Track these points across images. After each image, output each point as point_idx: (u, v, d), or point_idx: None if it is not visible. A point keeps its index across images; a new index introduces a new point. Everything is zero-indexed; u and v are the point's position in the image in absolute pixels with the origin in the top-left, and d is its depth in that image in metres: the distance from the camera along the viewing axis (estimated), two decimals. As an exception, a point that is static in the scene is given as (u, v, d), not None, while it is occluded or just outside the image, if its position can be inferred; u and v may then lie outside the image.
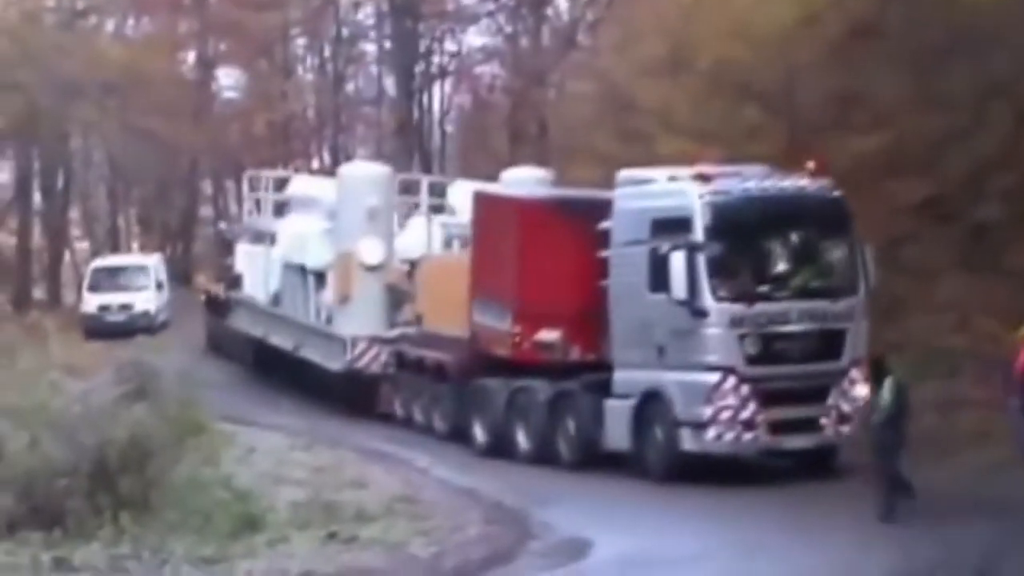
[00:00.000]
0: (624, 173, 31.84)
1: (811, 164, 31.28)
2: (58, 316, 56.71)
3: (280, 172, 52.06)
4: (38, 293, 71.28)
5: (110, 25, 75.76)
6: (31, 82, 64.68)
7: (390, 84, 79.31)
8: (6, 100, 66.87)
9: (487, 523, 28.94)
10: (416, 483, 32.97)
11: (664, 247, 29.69)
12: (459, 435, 34.92)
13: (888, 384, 28.02)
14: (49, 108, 68.25)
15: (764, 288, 30.27)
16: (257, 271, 47.16)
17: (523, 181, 39.08)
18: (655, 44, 45.00)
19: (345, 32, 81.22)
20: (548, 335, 31.36)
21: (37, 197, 77.57)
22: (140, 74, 70.02)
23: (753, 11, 39.92)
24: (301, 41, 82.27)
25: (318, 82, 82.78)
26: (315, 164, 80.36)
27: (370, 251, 38.87)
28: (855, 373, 29.97)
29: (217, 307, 50.28)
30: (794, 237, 31.21)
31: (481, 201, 36.69)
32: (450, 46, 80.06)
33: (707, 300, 29.60)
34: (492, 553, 27.25)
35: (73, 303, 69.12)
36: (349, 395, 40.31)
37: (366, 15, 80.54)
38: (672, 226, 29.82)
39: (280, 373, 45.80)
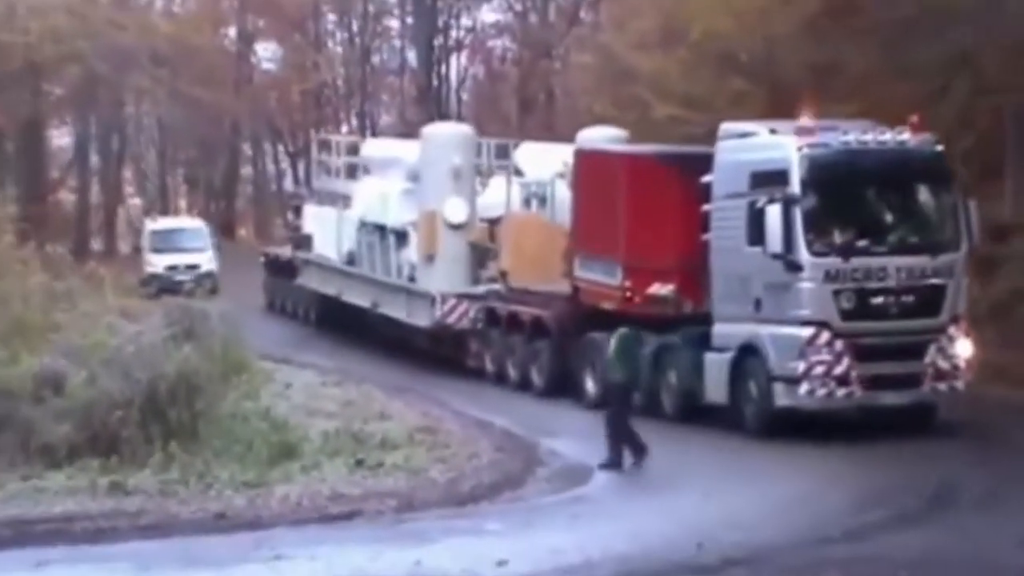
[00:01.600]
0: (726, 125, 30.12)
1: (914, 119, 29.13)
2: (113, 265, 56.44)
3: (349, 136, 50.56)
4: (95, 245, 71.26)
5: (159, 2, 75.42)
6: (88, 53, 64.35)
7: (412, 56, 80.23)
8: (66, 70, 66.80)
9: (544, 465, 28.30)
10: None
11: (761, 200, 28.00)
12: (558, 389, 33.09)
13: (615, 344, 27.82)
14: (105, 77, 68.25)
15: (861, 243, 28.20)
16: (329, 232, 44.93)
17: (601, 140, 36.44)
18: (649, 19, 46.14)
19: (371, 9, 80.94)
20: (661, 289, 29.76)
21: (94, 159, 77.61)
22: (187, 47, 70.87)
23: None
24: (332, 17, 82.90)
25: (347, 54, 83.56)
26: (343, 128, 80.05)
27: (455, 210, 36.90)
28: (954, 330, 28.24)
29: (279, 267, 49.02)
30: (893, 191, 29.28)
31: (583, 158, 34.67)
32: (466, 21, 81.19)
33: (802, 254, 27.73)
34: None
35: (127, 253, 68.35)
36: (433, 350, 38.49)
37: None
38: (770, 179, 28.09)
39: (350, 330, 43.91)
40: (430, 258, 36.81)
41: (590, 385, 31.16)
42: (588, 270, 32.31)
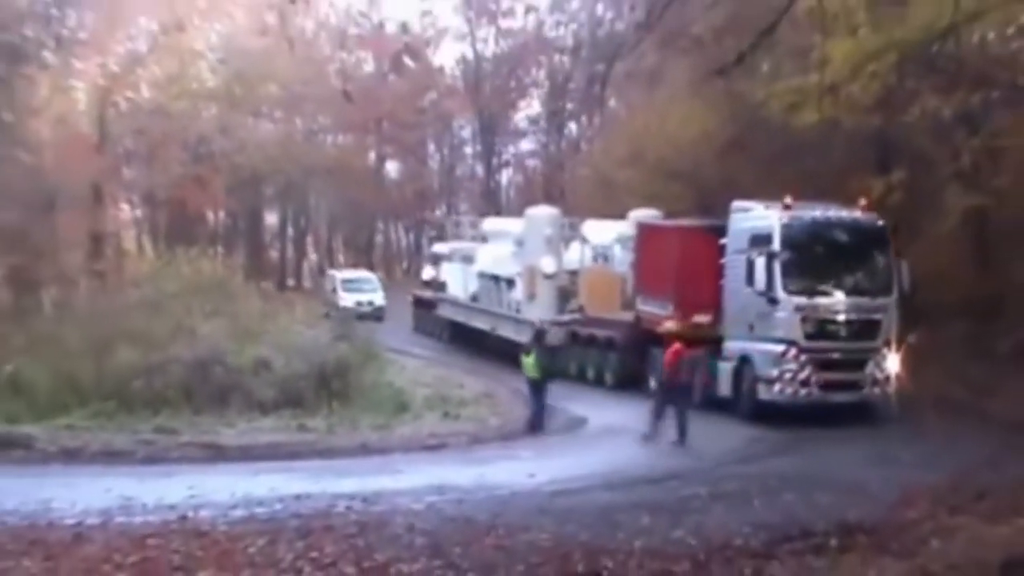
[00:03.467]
0: (736, 203, 28.50)
1: (863, 202, 27.72)
2: (300, 296, 56.54)
3: (473, 217, 50.47)
4: (290, 283, 71.38)
5: (330, 137, 75.93)
6: (288, 168, 64.89)
7: (479, 169, 79.85)
8: (274, 178, 67.44)
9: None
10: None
11: (753, 254, 26.72)
12: (623, 386, 30.93)
13: (541, 354, 26.65)
14: (297, 183, 68.90)
15: (822, 286, 26.64)
16: (458, 279, 43.37)
17: (647, 216, 34.84)
18: (623, 148, 46.38)
19: (455, 141, 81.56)
20: (701, 318, 27.94)
21: (290, 230, 78.09)
22: (345, 164, 70.96)
23: (677, 128, 40.45)
24: (432, 147, 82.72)
25: (440, 168, 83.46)
26: (438, 212, 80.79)
27: (548, 264, 35.26)
28: (886, 350, 26.57)
29: (423, 303, 48.67)
30: (846, 251, 27.29)
31: (644, 229, 33.19)
32: (512, 148, 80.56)
33: (779, 292, 26.25)
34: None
35: (309, 288, 68.48)
36: None
37: (467, 131, 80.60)
38: (761, 240, 26.67)
39: (471, 346, 41.60)
40: (531, 296, 35.60)
41: (653, 382, 28.26)
42: (646, 304, 31.04)
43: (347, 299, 51.46)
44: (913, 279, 27.18)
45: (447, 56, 79.64)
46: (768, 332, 26.72)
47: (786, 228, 26.53)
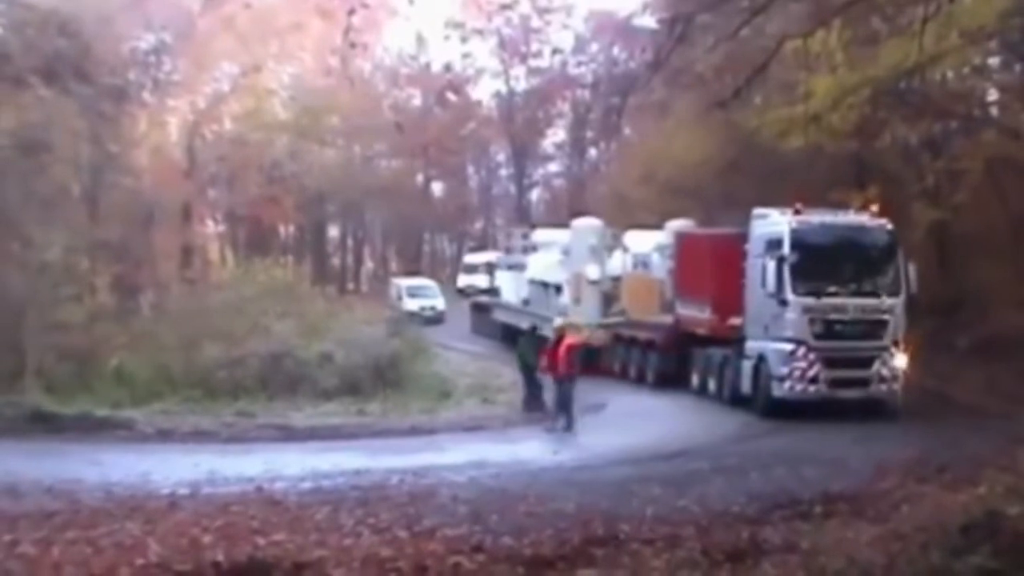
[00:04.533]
0: (755, 210, 26.33)
1: (874, 207, 25.86)
2: (359, 299, 56.59)
3: (525, 228, 48.84)
4: (350, 287, 71.34)
5: (384, 162, 75.97)
6: (347, 188, 65.39)
7: (512, 188, 79.78)
8: (336, 197, 67.62)
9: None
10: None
11: (767, 258, 24.82)
12: (663, 384, 28.70)
13: (526, 346, 26.35)
14: (356, 201, 69.31)
15: (830, 288, 24.67)
16: (511, 285, 41.37)
17: (683, 225, 32.87)
18: (637, 169, 46.62)
19: (491, 163, 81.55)
20: (736, 319, 26.15)
21: (350, 241, 78.15)
22: (397, 184, 70.78)
23: (682, 152, 40.34)
24: (471, 168, 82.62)
25: (478, 187, 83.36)
26: (477, 226, 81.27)
27: (592, 271, 33.46)
28: (894, 349, 24.60)
29: (479, 307, 47.11)
30: (854, 255, 25.18)
31: (681, 237, 31.10)
32: (540, 170, 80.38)
33: (788, 294, 24.30)
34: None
35: (366, 291, 68.34)
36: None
37: (502, 156, 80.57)
38: (775, 245, 24.68)
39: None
40: (577, 301, 33.81)
41: (695, 379, 27.87)
42: (685, 308, 29.26)
43: (411, 304, 49.70)
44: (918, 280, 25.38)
45: (484, 91, 79.69)
46: (780, 332, 24.91)
47: (795, 232, 24.69)
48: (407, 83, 76.05)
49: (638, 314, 32.19)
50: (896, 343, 24.85)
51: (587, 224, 36.21)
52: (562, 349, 23.81)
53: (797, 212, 25.09)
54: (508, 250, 45.80)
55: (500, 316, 42.89)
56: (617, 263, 35.24)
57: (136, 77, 41.58)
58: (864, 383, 24.58)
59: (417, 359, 30.13)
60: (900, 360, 24.79)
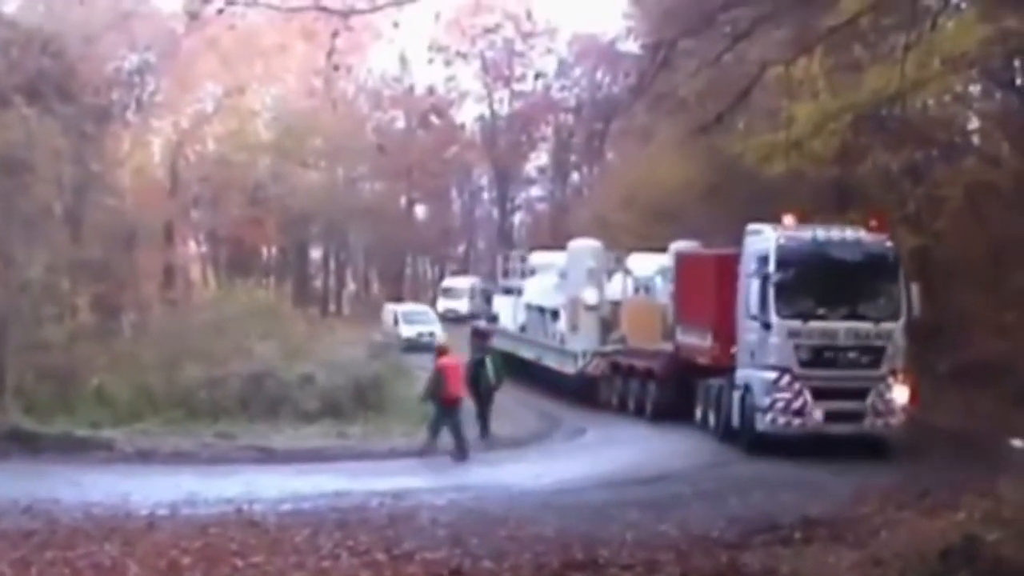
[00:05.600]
0: (750, 225, 24.00)
1: (873, 222, 23.44)
2: (340, 321, 56.43)
3: (521, 252, 46.48)
4: (332, 308, 71.11)
5: (367, 185, 75.95)
6: (331, 211, 65.79)
7: (495, 212, 79.94)
8: (321, 219, 67.57)
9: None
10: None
11: (754, 278, 22.77)
12: (663, 417, 26.26)
13: (490, 365, 25.35)
14: (338, 223, 69.05)
15: (820, 310, 22.32)
16: (508, 311, 39.03)
17: (686, 247, 30.45)
18: (619, 193, 46.53)
19: (474, 187, 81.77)
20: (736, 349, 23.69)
21: (332, 263, 78.03)
22: (380, 207, 71.26)
23: (665, 176, 40.07)
24: (454, 193, 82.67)
25: (461, 210, 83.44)
26: (460, 249, 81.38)
27: (590, 296, 31.25)
28: (892, 380, 22.32)
29: (479, 334, 44.55)
30: (848, 274, 22.61)
31: (683, 258, 28.94)
32: (523, 194, 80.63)
33: (772, 317, 22.02)
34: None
35: (348, 315, 68.09)
36: (575, 391, 31.57)
37: (485, 179, 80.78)
38: (763, 262, 22.41)
39: (521, 375, 34.18)
40: (574, 328, 31.70)
41: (698, 412, 25.33)
42: (686, 336, 26.82)
43: (408, 331, 47.71)
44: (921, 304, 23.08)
45: (468, 115, 79.71)
46: (764, 359, 22.63)
47: (782, 249, 22.57)
48: (390, 105, 76.15)
49: (638, 341, 29.89)
50: (895, 373, 22.64)
51: (584, 246, 34.05)
52: (451, 369, 22.85)
53: (785, 227, 23.03)
54: (506, 273, 43.49)
55: (498, 343, 39.28)
56: (617, 287, 33.11)
57: (120, 97, 41.70)
58: (857, 417, 22.31)
59: (399, 382, 29.69)
60: (899, 392, 22.54)
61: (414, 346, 43.06)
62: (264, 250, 71.28)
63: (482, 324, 42.40)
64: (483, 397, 25.13)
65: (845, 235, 23.30)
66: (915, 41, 16.52)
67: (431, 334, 48.62)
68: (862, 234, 23.28)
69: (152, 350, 28.88)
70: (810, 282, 22.76)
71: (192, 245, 60.39)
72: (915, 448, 22.62)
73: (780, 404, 22.13)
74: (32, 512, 14.60)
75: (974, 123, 36.17)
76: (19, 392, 24.71)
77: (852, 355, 22.32)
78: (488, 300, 45.31)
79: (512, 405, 28.37)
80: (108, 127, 37.63)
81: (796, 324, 22.29)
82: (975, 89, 34.31)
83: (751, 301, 23.01)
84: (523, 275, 39.78)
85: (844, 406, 22.19)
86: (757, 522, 14.59)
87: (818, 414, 22.09)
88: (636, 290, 33.01)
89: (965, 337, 31.23)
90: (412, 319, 50.99)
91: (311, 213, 66.62)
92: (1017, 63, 30.94)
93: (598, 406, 29.60)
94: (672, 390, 26.93)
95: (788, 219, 23.12)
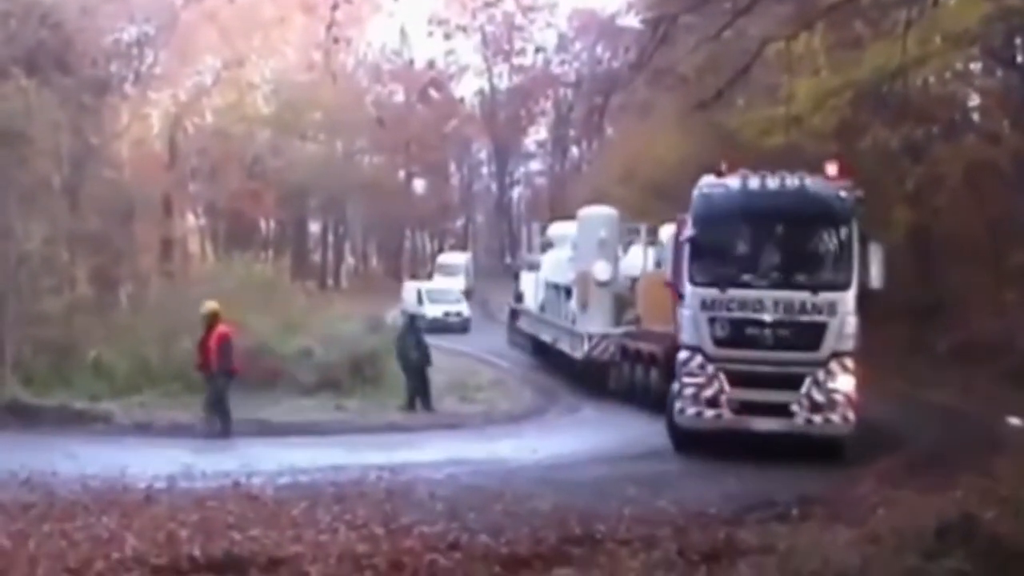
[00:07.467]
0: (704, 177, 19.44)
1: (832, 168, 18.66)
2: (338, 294, 56.34)
3: (546, 222, 44.24)
4: (330, 282, 71.17)
5: (366, 158, 75.98)
6: (330, 185, 66.53)
7: (494, 186, 79.99)
8: (319, 193, 67.73)
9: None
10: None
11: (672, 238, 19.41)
12: (661, 406, 20.43)
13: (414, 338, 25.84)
14: (338, 196, 69.25)
15: (743, 277, 18.19)
16: (531, 290, 36.71)
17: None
18: (618, 169, 46.64)
19: (473, 161, 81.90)
20: None
21: (331, 237, 78.06)
22: (379, 181, 71.37)
23: (664, 152, 40.58)
24: (453, 165, 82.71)
25: (460, 184, 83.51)
26: (458, 224, 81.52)
27: (601, 271, 28.64)
28: (835, 365, 17.77)
29: (513, 315, 39.94)
30: (784, 231, 18.62)
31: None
32: (522, 168, 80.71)
33: (684, 284, 18.38)
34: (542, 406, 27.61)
35: (346, 288, 68.14)
36: (585, 375, 29.47)
37: (484, 153, 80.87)
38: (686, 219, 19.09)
39: (546, 359, 34.21)
40: (584, 307, 29.08)
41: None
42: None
43: (434, 310, 45.96)
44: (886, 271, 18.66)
45: (467, 89, 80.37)
46: (681, 336, 18.88)
47: (703, 199, 18.82)
48: (390, 79, 76.19)
49: (653, 322, 25.28)
50: (839, 356, 18.11)
51: (596, 213, 31.09)
52: (213, 340, 21.32)
53: (719, 174, 19.08)
54: (530, 248, 40.81)
55: (524, 326, 38.06)
56: (636, 261, 29.86)
57: (118, 69, 41.52)
58: (785, 411, 18.06)
59: (393, 356, 29.87)
60: (844, 381, 18.06)
61: (439, 326, 41.86)
62: (263, 223, 71.36)
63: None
64: (411, 372, 25.44)
65: (785, 183, 18.85)
66: (916, 17, 16.47)
67: (458, 314, 47.65)
68: (809, 181, 18.82)
69: (150, 322, 28.79)
70: (734, 241, 19.20)
71: (190, 218, 60.35)
72: (911, 426, 22.15)
73: (690, 391, 18.52)
74: (30, 484, 14.54)
75: (975, 100, 36.25)
76: (17, 364, 24.68)
77: (783, 332, 18.17)
78: (516, 277, 42.50)
79: (492, 373, 29.55)
80: (106, 99, 37.50)
81: (712, 293, 18.42)
82: (976, 66, 34.34)
83: (667, 266, 20.27)
84: (544, 249, 37.17)
85: (768, 396, 18.12)
86: (753, 499, 14.55)
87: (735, 404, 18.32)
88: (658, 264, 28.28)
89: (963, 315, 31.30)
90: (437, 298, 49.19)
91: (310, 186, 66.80)
92: (1018, 40, 30.98)
93: (605, 394, 27.54)
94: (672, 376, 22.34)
95: (724, 165, 19.32)
